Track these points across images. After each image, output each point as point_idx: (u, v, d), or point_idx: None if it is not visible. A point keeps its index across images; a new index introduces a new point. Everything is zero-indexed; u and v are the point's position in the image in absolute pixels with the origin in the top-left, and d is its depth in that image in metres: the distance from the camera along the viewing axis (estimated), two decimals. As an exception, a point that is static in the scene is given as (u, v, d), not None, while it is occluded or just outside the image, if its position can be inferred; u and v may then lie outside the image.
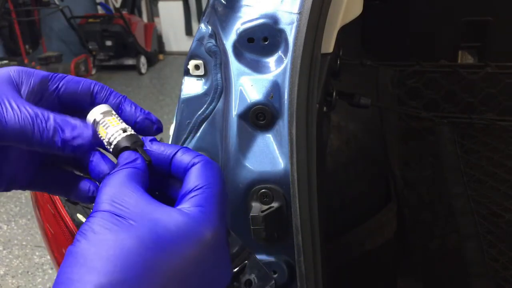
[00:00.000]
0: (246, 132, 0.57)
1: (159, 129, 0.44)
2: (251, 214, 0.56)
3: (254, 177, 0.57)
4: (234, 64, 0.58)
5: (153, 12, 6.35)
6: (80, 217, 0.65)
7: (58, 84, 0.42)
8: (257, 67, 0.58)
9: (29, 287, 2.23)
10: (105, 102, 0.43)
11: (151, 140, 0.41)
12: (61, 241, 0.64)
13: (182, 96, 0.65)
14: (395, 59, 1.44)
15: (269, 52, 0.58)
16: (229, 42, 0.59)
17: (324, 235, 0.63)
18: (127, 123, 0.42)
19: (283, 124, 0.56)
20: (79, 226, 0.62)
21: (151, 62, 5.86)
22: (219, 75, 0.62)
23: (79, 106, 0.43)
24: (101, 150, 0.42)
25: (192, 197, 0.37)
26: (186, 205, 0.36)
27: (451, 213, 1.33)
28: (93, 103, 0.42)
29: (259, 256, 0.59)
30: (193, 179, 0.38)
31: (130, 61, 5.59)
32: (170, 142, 0.67)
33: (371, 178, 1.32)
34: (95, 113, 0.41)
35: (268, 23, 0.57)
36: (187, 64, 0.64)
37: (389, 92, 1.45)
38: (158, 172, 0.41)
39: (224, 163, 0.60)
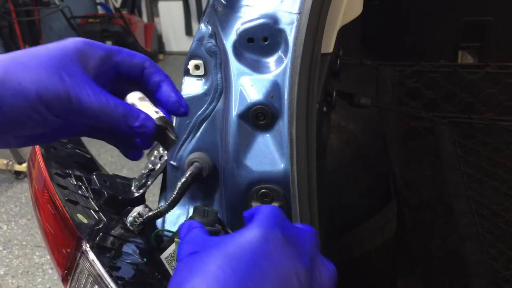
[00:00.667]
0: (246, 132, 0.57)
1: (186, 113, 0.51)
2: (251, 214, 0.56)
3: (254, 177, 0.57)
4: (234, 64, 0.58)
5: (153, 12, 6.35)
6: (80, 217, 0.65)
7: (117, 57, 0.49)
8: (257, 67, 0.58)
9: (29, 287, 2.23)
10: (150, 77, 0.50)
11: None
12: (61, 241, 0.64)
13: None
14: (395, 59, 1.44)
15: (269, 52, 0.58)
16: (229, 42, 0.59)
17: (324, 235, 0.63)
18: (161, 100, 0.50)
19: (283, 124, 0.56)
20: (79, 226, 0.62)
21: (151, 62, 5.85)
22: (219, 75, 0.62)
23: (130, 75, 0.50)
24: None
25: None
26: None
27: (451, 213, 1.33)
28: (142, 75, 0.50)
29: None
30: None
31: (130, 61, 5.58)
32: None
33: (371, 178, 1.32)
34: (133, 97, 0.49)
35: (268, 23, 0.57)
36: (187, 64, 0.64)
37: (389, 92, 1.46)
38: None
39: (224, 163, 0.60)
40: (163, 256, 0.57)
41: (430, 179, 1.50)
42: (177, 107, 0.50)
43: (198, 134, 0.64)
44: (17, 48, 4.46)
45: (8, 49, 4.51)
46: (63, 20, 4.94)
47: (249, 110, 0.57)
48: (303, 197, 0.55)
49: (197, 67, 0.64)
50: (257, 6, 0.58)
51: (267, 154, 0.57)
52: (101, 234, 0.64)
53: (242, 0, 0.59)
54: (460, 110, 1.41)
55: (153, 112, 0.48)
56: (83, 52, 0.47)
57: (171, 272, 0.57)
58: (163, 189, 0.70)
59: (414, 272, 1.43)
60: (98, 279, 0.57)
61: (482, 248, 1.23)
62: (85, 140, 0.70)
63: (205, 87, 0.64)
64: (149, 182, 0.71)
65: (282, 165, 0.56)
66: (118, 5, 5.90)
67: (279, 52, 0.57)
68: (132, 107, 0.47)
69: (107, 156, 3.27)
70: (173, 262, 0.57)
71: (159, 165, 0.72)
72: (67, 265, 0.62)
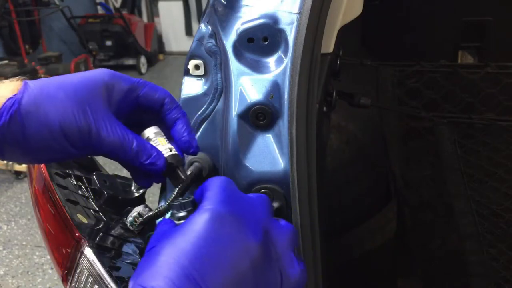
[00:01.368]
0: (246, 132, 0.57)
1: (194, 153, 0.54)
2: (251, 214, 0.56)
3: (254, 177, 0.57)
4: (234, 64, 0.58)
5: (153, 12, 6.35)
6: (80, 217, 0.65)
7: (140, 91, 0.51)
8: (257, 67, 0.58)
9: (29, 287, 2.23)
10: (169, 113, 0.52)
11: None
12: (61, 241, 0.64)
13: (182, 96, 0.65)
14: (395, 59, 1.44)
15: (269, 52, 0.58)
16: (229, 42, 0.59)
17: (324, 235, 0.63)
18: (174, 136, 0.52)
19: (283, 124, 0.56)
20: (79, 226, 0.62)
21: (151, 62, 5.86)
22: (219, 75, 0.62)
23: (150, 108, 0.52)
24: None
25: None
26: None
27: (451, 213, 1.33)
28: (161, 110, 0.52)
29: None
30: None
31: (130, 61, 5.59)
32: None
33: (371, 178, 1.32)
34: (150, 132, 0.51)
35: (268, 23, 0.57)
36: (187, 64, 0.64)
37: (389, 92, 1.46)
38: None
39: (224, 163, 0.60)
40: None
41: (430, 179, 1.50)
42: (188, 147, 0.52)
43: (198, 134, 0.64)
44: (17, 48, 4.46)
45: (8, 49, 4.51)
46: (63, 20, 4.95)
47: (249, 110, 0.57)
48: (303, 197, 0.55)
49: (197, 67, 0.64)
50: (257, 6, 0.58)
51: (267, 154, 0.57)
52: (101, 234, 0.64)
53: (242, 0, 0.59)
54: (460, 110, 1.41)
55: (167, 149, 0.50)
56: (109, 86, 0.49)
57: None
58: (163, 189, 0.70)
59: (414, 272, 1.43)
60: (98, 279, 0.57)
61: (482, 248, 1.23)
62: (85, 140, 0.70)
63: (205, 87, 0.64)
64: (149, 182, 0.71)
65: (282, 165, 0.56)
66: (118, 5, 5.90)
67: (279, 52, 0.57)
68: (146, 144, 0.50)
69: (107, 156, 3.27)
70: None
71: (159, 165, 0.72)
72: (67, 265, 0.62)
